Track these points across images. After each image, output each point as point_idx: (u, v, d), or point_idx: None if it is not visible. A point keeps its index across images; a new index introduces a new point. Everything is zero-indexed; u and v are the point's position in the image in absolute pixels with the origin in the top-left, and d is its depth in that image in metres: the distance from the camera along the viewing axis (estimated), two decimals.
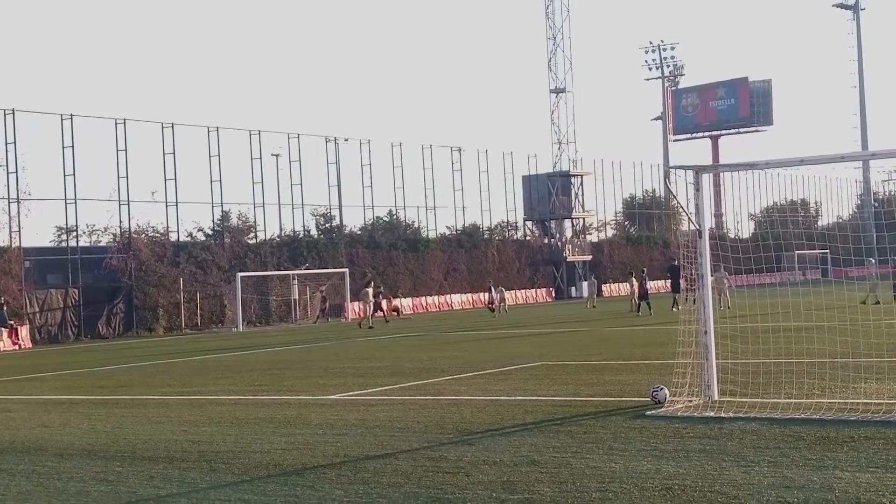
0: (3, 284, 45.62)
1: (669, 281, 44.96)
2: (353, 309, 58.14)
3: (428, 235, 69.36)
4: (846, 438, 10.49)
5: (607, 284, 78.95)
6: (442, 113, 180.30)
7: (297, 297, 57.07)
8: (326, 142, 63.69)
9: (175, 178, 54.25)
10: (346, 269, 58.57)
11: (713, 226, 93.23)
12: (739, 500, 8.15)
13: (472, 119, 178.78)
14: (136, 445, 12.46)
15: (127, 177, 52.38)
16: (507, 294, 60.31)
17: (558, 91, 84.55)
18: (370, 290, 46.32)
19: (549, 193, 77.88)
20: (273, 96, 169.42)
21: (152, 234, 53.78)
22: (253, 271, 55.24)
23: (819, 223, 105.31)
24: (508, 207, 76.48)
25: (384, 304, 50.92)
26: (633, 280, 48.97)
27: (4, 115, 47.86)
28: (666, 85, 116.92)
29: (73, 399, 19.13)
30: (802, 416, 11.87)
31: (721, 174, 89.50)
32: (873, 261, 41.18)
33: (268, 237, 59.79)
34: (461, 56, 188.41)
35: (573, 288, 78.33)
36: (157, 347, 37.70)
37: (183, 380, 22.35)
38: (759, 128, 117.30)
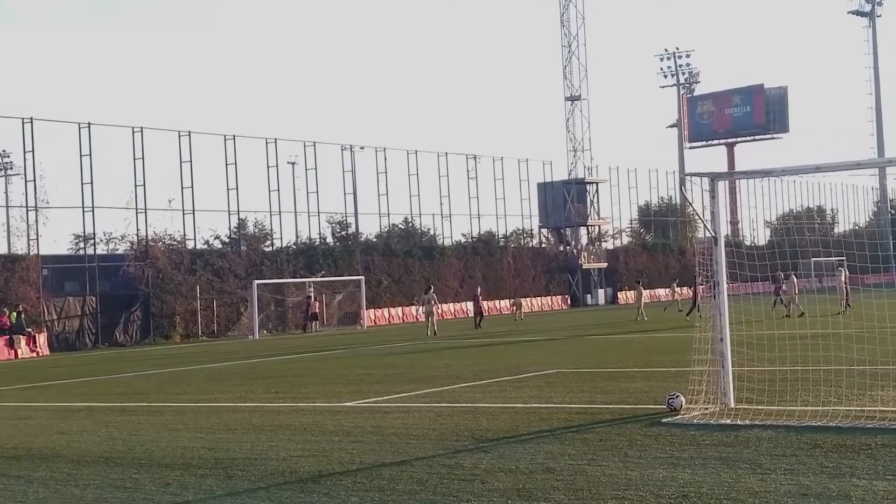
0: (22, 292, 45.85)
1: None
2: (369, 317, 58.26)
3: (443, 243, 69.42)
4: (863, 446, 10.45)
5: (622, 292, 78.96)
6: (457, 121, 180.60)
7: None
8: (342, 150, 63.86)
9: (192, 186, 54.47)
10: (362, 277, 58.66)
11: (729, 233, 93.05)
12: None
13: (487, 127, 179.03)
14: (153, 452, 12.51)
15: (144, 185, 52.64)
16: (523, 301, 60.45)
17: (573, 98, 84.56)
18: (428, 297, 44.22)
19: (565, 201, 77.86)
20: (289, 104, 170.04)
21: (169, 241, 53.96)
22: (269, 279, 55.38)
23: (835, 230, 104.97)
24: (524, 215, 76.56)
25: (484, 306, 50.47)
26: (640, 288, 49.71)
27: (23, 123, 48.11)
28: (681, 92, 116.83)
29: (91, 406, 19.21)
30: (819, 423, 11.84)
31: (737, 181, 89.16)
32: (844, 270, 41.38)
33: (284, 245, 59.93)
34: (476, 64, 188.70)
35: (588, 295, 78.26)
36: (173, 355, 37.81)
37: (199, 387, 22.40)
38: (775, 135, 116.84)
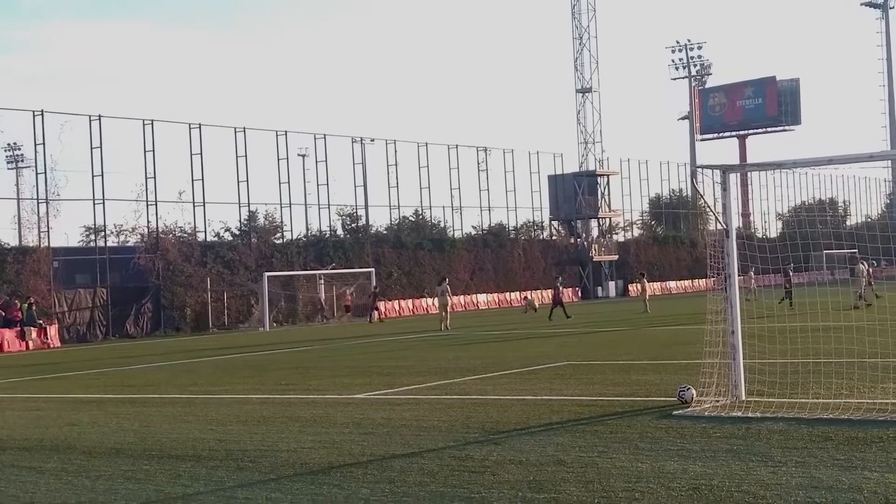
0: (33, 284, 45.96)
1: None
2: (381, 308, 58.24)
3: (454, 235, 69.39)
4: (875, 438, 10.42)
5: (633, 284, 78.97)
6: (468, 113, 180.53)
7: (323, 296, 57.19)
8: (353, 142, 63.82)
9: (202, 179, 54.49)
10: (373, 269, 58.66)
11: (740, 225, 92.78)
12: (767, 501, 8.10)
13: (498, 119, 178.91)
14: (164, 444, 12.53)
15: (155, 177, 52.67)
16: (534, 294, 60.53)
17: (584, 91, 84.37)
18: (442, 288, 42.15)
19: (576, 193, 77.73)
20: (299, 97, 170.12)
21: (180, 234, 54.03)
22: (279, 271, 55.43)
23: (847, 223, 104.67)
24: (534, 207, 76.47)
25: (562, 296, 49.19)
26: (644, 281, 49.51)
27: (33, 116, 48.19)
28: (693, 84, 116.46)
29: (102, 398, 19.26)
30: (830, 416, 11.81)
31: (748, 174, 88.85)
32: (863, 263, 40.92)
33: (294, 237, 59.97)
34: (487, 56, 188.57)
35: (599, 288, 78.19)
36: (184, 347, 37.87)
37: (210, 379, 22.45)
38: (787, 127, 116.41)
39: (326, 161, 61.29)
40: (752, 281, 47.32)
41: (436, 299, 43.65)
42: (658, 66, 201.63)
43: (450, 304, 42.27)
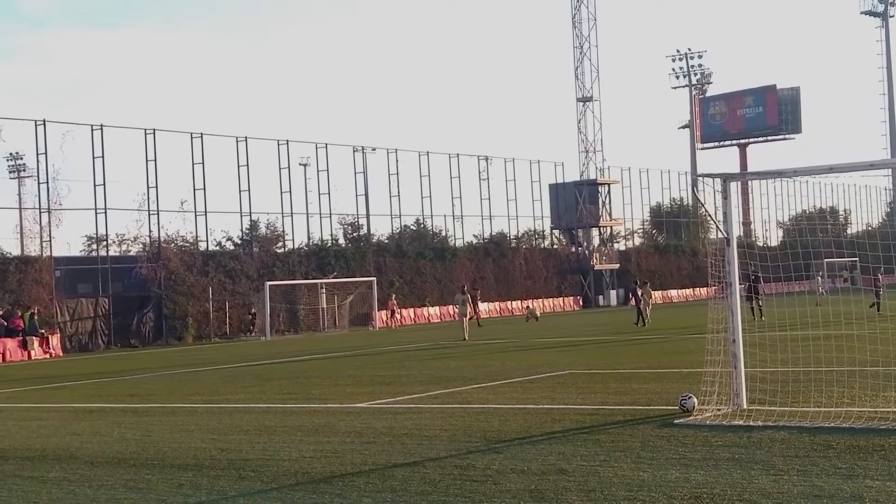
0: (35, 293, 45.98)
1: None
2: (381, 318, 58.28)
3: (455, 244, 69.41)
4: (876, 447, 10.42)
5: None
6: (469, 122, 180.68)
7: (325, 305, 57.19)
8: (354, 151, 63.88)
9: (204, 188, 54.57)
10: (374, 278, 58.67)
11: (741, 234, 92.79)
12: None
13: (499, 128, 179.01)
14: (166, 453, 12.53)
15: (157, 186, 52.75)
16: (535, 303, 60.46)
17: (585, 100, 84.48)
18: (464, 297, 41.48)
19: (577, 202, 77.76)
20: (301, 106, 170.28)
21: (182, 243, 54.08)
22: (281, 280, 55.43)
23: (848, 231, 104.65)
24: (536, 216, 76.50)
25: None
26: (640, 291, 48.34)
27: (35, 125, 48.26)
28: (693, 93, 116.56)
29: (104, 407, 19.25)
30: (832, 424, 11.80)
31: (749, 182, 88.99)
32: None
33: (296, 246, 59.99)
34: (488, 66, 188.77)
35: (600, 296, 78.18)
36: (186, 356, 37.87)
37: (212, 388, 22.44)
38: (788, 136, 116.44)
39: (328, 170, 61.43)
40: (819, 284, 47.62)
41: (457, 307, 43.09)
42: (658, 74, 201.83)
43: (469, 313, 41.57)
